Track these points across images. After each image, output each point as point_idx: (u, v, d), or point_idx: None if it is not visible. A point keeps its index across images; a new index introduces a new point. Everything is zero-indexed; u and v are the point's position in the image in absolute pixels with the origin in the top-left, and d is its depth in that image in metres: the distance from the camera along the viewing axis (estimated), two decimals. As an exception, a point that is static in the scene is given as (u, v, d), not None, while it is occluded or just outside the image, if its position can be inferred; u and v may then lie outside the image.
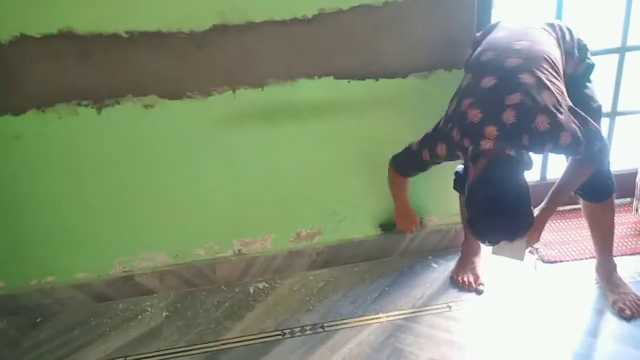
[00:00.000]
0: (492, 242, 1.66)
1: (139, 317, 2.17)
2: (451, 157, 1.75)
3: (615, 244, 2.12)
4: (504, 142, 1.57)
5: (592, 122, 1.64)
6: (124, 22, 1.83)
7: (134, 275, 2.24)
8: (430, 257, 2.40)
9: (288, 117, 2.06)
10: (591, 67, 1.86)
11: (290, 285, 2.30)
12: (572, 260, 2.28)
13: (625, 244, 2.33)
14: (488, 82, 1.63)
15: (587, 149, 1.63)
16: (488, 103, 1.60)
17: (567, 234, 2.43)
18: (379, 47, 2.02)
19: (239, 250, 2.30)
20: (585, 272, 2.20)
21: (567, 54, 1.78)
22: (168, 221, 2.18)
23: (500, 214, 1.55)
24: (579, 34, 1.85)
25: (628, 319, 1.94)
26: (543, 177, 2.60)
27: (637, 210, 2.53)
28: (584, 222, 2.47)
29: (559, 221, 2.51)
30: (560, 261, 2.28)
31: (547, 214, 1.82)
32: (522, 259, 1.82)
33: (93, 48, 1.84)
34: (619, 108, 2.49)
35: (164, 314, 2.17)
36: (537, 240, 1.85)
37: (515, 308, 2.05)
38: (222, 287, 2.31)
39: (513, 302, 2.08)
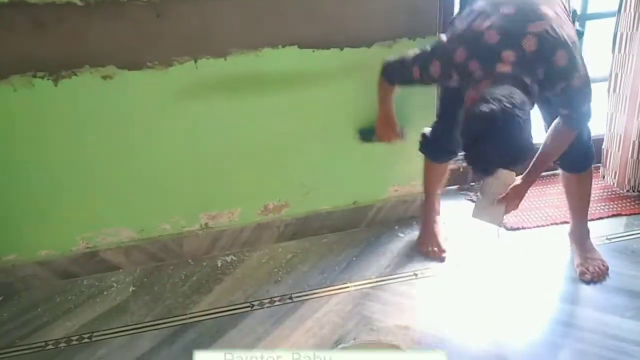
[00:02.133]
0: (489, 168, 1.57)
1: (105, 293, 2.14)
2: (443, 78, 1.69)
3: (591, 209, 2.18)
4: (521, 69, 1.53)
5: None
6: (78, -10, 1.76)
7: (98, 251, 2.21)
8: (396, 227, 2.42)
9: (252, 87, 2.04)
10: (580, 34, 1.86)
11: (258, 257, 2.29)
12: (535, 227, 2.33)
13: (592, 209, 2.37)
14: (507, 9, 1.57)
15: (579, 106, 1.64)
16: (508, 27, 1.54)
17: (529, 202, 2.47)
18: (343, 16, 2.00)
19: (206, 224, 2.28)
20: (547, 239, 2.25)
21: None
22: (132, 196, 2.14)
23: (505, 132, 1.45)
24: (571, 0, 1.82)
25: (587, 282, 1.99)
26: None
27: (603, 177, 2.58)
28: (546, 190, 2.54)
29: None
30: (523, 228, 2.33)
31: (529, 181, 1.84)
32: (500, 224, 1.87)
33: (47, 17, 1.77)
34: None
35: (131, 289, 2.15)
36: (516, 207, 1.87)
37: (480, 274, 2.09)
38: (190, 261, 2.29)
39: (478, 268, 2.12)
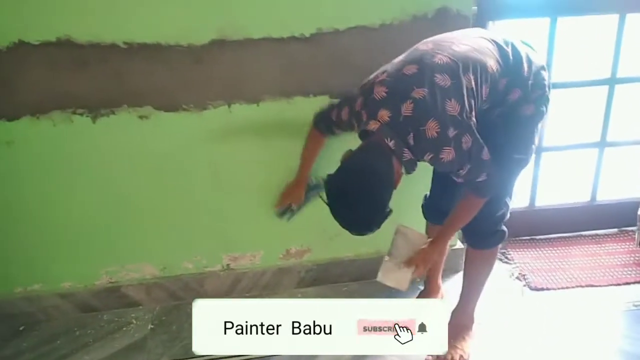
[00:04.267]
0: (349, 228, 1.57)
1: (124, 329, 2.15)
2: (349, 124, 1.68)
3: (613, 273, 2.11)
4: (390, 131, 1.51)
5: (486, 152, 1.57)
6: (122, 33, 1.84)
7: (120, 287, 2.23)
8: (418, 279, 2.39)
9: (282, 133, 2.07)
10: (540, 115, 1.73)
11: (277, 302, 2.29)
12: (559, 288, 2.29)
13: (618, 273, 2.35)
14: (409, 69, 1.56)
15: (470, 176, 1.57)
16: (397, 88, 1.54)
17: (553, 262, 2.43)
18: (374, 68, 2.03)
19: (228, 265, 2.29)
20: (571, 301, 2.21)
21: (512, 79, 1.66)
22: (157, 233, 2.17)
23: (352, 197, 1.48)
24: (543, 70, 1.72)
25: None
26: (532, 204, 2.60)
27: (639, 244, 2.52)
28: (570, 251, 2.50)
29: (545, 249, 2.52)
30: (547, 289, 2.29)
31: (437, 246, 1.77)
32: (405, 288, 1.74)
33: (90, 57, 1.85)
34: (609, 139, 2.51)
35: (149, 327, 2.15)
36: (422, 272, 1.77)
37: (504, 334, 2.05)
38: (209, 301, 2.29)
39: (501, 328, 2.08)
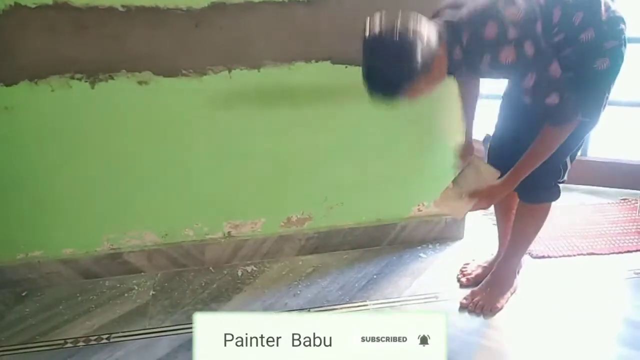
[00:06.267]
0: (375, 88, 1.52)
1: (126, 295, 2.16)
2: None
3: (615, 242, 2.14)
4: (446, 29, 1.50)
5: (556, 67, 1.50)
6: (120, -5, 1.80)
7: (122, 253, 2.23)
8: (419, 247, 2.40)
9: (283, 100, 2.05)
10: (615, 71, 1.61)
11: (278, 269, 2.30)
12: (561, 256, 2.29)
13: (622, 241, 2.36)
14: None
15: (538, 93, 1.51)
16: None
17: (555, 230, 2.43)
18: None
19: (229, 232, 2.29)
20: (573, 269, 2.21)
21: (588, 16, 1.55)
22: (159, 200, 2.17)
23: (383, 48, 1.43)
24: (623, 23, 1.59)
25: (461, 307, 2.01)
26: (584, 152, 2.73)
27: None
28: (573, 218, 2.51)
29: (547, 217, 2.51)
30: (549, 256, 2.29)
31: (507, 184, 1.70)
32: (461, 217, 1.76)
33: (89, 21, 1.82)
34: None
35: (151, 293, 2.16)
36: (486, 206, 1.77)
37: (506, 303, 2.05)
38: (210, 268, 2.30)
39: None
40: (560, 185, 1.84)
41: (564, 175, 1.82)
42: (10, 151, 1.98)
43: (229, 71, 1.97)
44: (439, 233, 2.42)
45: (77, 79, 1.90)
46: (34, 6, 1.77)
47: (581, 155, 2.78)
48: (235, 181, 2.19)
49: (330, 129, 2.15)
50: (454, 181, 1.80)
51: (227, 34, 1.91)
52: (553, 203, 1.88)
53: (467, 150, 1.95)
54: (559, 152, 1.66)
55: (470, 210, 1.76)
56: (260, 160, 2.16)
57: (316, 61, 2.01)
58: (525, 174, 1.68)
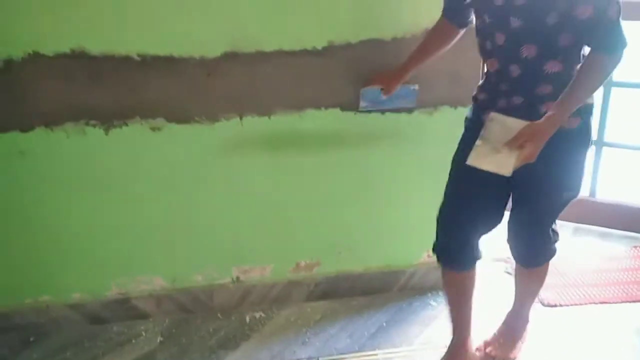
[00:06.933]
0: None
1: (133, 341, 2.14)
2: None
3: (627, 290, 2.15)
4: None
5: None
6: (136, 45, 1.85)
7: (130, 298, 2.22)
8: (429, 294, 2.38)
9: (293, 145, 2.08)
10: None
11: (287, 316, 2.27)
12: (572, 304, 2.26)
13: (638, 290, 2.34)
14: None
15: (605, 29, 1.38)
16: None
17: (566, 278, 2.41)
18: (386, 81, 2.04)
19: (237, 277, 2.28)
20: (585, 318, 2.18)
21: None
22: (167, 245, 2.17)
23: None
24: None
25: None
26: (592, 192, 2.76)
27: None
28: (583, 267, 2.48)
29: (558, 265, 2.49)
30: (560, 305, 2.26)
31: (548, 120, 1.44)
32: (509, 172, 1.45)
33: (104, 69, 1.86)
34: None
35: (159, 340, 2.15)
36: (535, 151, 1.45)
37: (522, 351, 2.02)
38: (219, 314, 2.28)
39: (513, 343, 2.05)
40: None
41: (556, 237, 1.82)
42: (22, 195, 2.00)
43: (240, 118, 2.01)
44: (449, 280, 2.40)
45: (92, 125, 1.93)
46: (52, 55, 1.83)
47: (590, 196, 2.81)
48: (245, 226, 2.20)
49: (339, 175, 2.16)
50: (481, 137, 1.53)
51: (239, 81, 1.96)
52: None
53: (394, 76, 1.87)
54: (549, 219, 1.74)
55: (518, 163, 1.45)
56: (269, 205, 2.18)
57: (326, 108, 2.04)
58: (573, 108, 1.46)
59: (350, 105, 2.04)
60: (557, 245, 1.83)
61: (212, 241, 2.20)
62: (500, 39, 1.51)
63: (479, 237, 1.78)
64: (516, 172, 1.47)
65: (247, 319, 2.25)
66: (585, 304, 2.26)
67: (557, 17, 1.40)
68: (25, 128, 1.91)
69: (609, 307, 2.24)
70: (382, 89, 1.92)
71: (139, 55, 1.86)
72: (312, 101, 2.03)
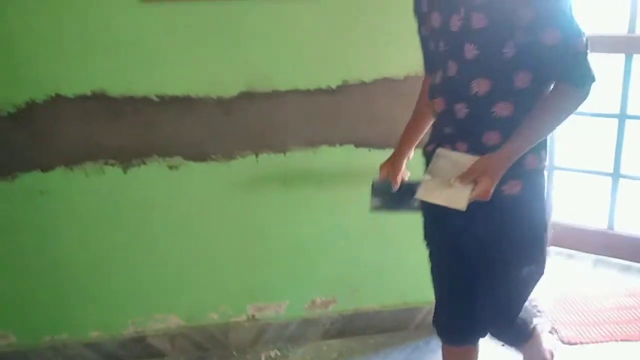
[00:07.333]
0: None
1: (148, 380, 2.13)
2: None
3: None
4: None
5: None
6: (155, 86, 1.91)
7: (146, 337, 2.22)
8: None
9: (308, 182, 2.10)
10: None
11: (302, 354, 2.25)
12: (593, 342, 2.21)
13: None
14: None
15: (573, 60, 1.28)
16: None
17: (586, 315, 2.37)
18: (399, 118, 2.05)
19: (253, 315, 2.28)
20: (606, 356, 2.13)
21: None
22: (183, 282, 2.18)
23: None
24: None
25: None
26: (610, 226, 2.74)
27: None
28: (603, 303, 2.43)
29: (578, 302, 2.46)
30: (581, 343, 2.21)
31: (501, 154, 1.31)
32: (463, 207, 1.30)
33: (123, 110, 1.92)
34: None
35: (174, 378, 2.13)
36: (489, 188, 1.28)
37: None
38: (234, 352, 2.27)
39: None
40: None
41: (531, 320, 1.74)
42: (41, 234, 2.04)
43: (256, 155, 2.03)
44: (466, 317, 2.37)
45: (111, 164, 1.97)
46: (73, 97, 1.88)
47: (608, 228, 2.78)
48: (260, 263, 2.20)
49: (354, 211, 2.17)
50: (429, 172, 1.44)
51: (255, 120, 1.99)
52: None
53: (394, 163, 1.67)
54: (515, 304, 1.59)
55: (471, 198, 1.30)
56: (284, 242, 2.18)
57: (340, 145, 2.07)
58: (528, 144, 1.33)
59: (364, 142, 2.06)
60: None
61: (227, 278, 2.20)
62: (452, 69, 1.38)
63: (481, 309, 1.58)
64: (466, 239, 1.43)
65: (263, 357, 2.23)
66: (607, 341, 2.21)
67: (516, 49, 1.29)
68: (46, 167, 1.96)
69: (630, 344, 2.19)
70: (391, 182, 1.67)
71: (157, 96, 1.91)
72: (327, 138, 2.06)
